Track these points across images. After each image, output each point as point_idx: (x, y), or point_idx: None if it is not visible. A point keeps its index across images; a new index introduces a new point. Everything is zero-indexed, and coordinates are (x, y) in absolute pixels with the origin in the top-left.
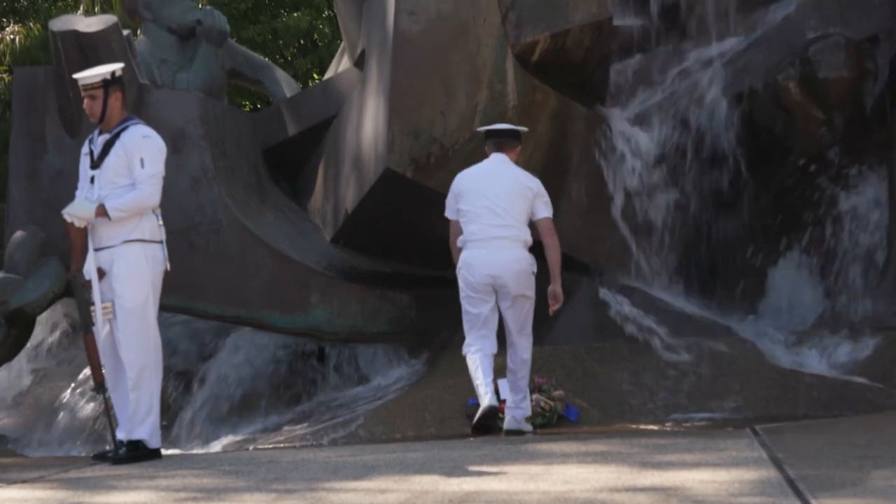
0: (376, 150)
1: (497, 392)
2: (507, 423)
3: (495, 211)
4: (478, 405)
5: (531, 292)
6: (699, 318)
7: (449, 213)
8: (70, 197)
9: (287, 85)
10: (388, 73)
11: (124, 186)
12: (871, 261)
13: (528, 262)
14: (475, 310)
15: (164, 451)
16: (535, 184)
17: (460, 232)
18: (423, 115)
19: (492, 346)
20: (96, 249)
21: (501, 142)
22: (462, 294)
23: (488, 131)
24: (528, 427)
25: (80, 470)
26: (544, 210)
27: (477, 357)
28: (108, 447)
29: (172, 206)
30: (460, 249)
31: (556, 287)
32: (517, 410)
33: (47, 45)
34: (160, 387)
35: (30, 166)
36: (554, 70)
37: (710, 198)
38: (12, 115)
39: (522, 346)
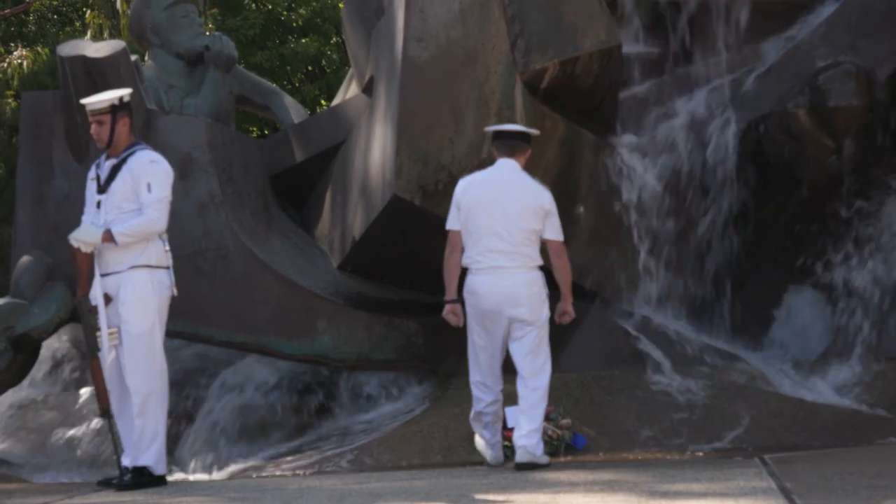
0: (384, 176)
1: (504, 423)
2: (520, 456)
3: (500, 234)
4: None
5: (545, 315)
6: (707, 347)
7: (451, 224)
8: (76, 222)
9: (295, 111)
10: (396, 100)
11: (131, 211)
12: (881, 289)
13: (539, 285)
14: (482, 342)
15: (169, 478)
16: (546, 200)
17: (461, 245)
18: (431, 142)
19: (499, 383)
20: (103, 275)
21: (513, 145)
22: (469, 322)
23: (497, 132)
24: (545, 459)
25: (84, 496)
26: (554, 233)
27: (490, 411)
28: (111, 473)
29: (179, 232)
30: (462, 268)
31: (566, 306)
32: (528, 439)
33: (55, 70)
34: (166, 413)
35: (36, 191)
36: (563, 97)
37: (719, 226)
38: (19, 139)
39: (537, 376)
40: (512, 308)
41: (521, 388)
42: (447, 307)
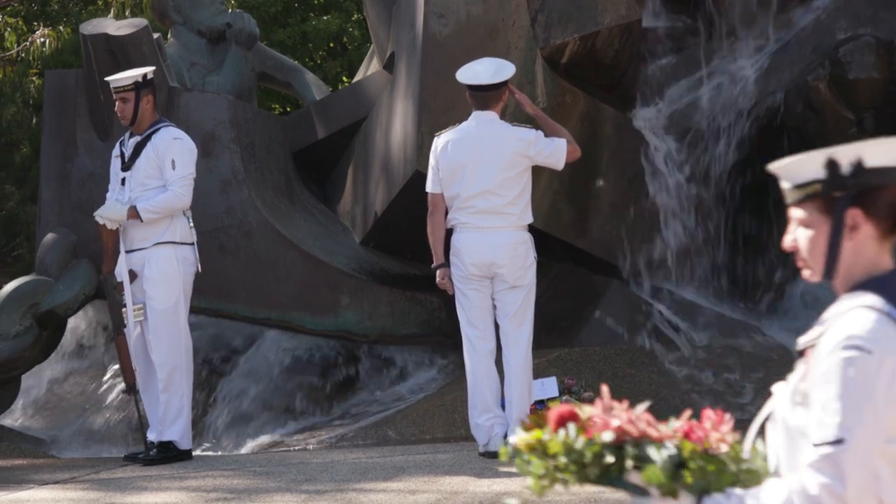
0: (405, 152)
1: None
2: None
3: (483, 196)
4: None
5: (531, 280)
6: (729, 319)
7: (432, 187)
8: (101, 199)
9: (316, 88)
10: (417, 76)
11: (155, 188)
12: None
13: (525, 246)
14: (468, 299)
15: (194, 452)
16: (524, 143)
17: (443, 206)
18: (452, 118)
19: (493, 338)
20: (128, 251)
21: (485, 98)
22: (455, 281)
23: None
24: None
25: (111, 471)
26: (555, 159)
27: (480, 366)
28: (137, 448)
29: (202, 208)
30: (448, 230)
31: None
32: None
33: (78, 49)
34: (191, 388)
35: (60, 169)
36: (583, 72)
37: (739, 199)
38: (43, 118)
39: (518, 343)
40: (497, 268)
41: (506, 361)
42: (438, 273)
